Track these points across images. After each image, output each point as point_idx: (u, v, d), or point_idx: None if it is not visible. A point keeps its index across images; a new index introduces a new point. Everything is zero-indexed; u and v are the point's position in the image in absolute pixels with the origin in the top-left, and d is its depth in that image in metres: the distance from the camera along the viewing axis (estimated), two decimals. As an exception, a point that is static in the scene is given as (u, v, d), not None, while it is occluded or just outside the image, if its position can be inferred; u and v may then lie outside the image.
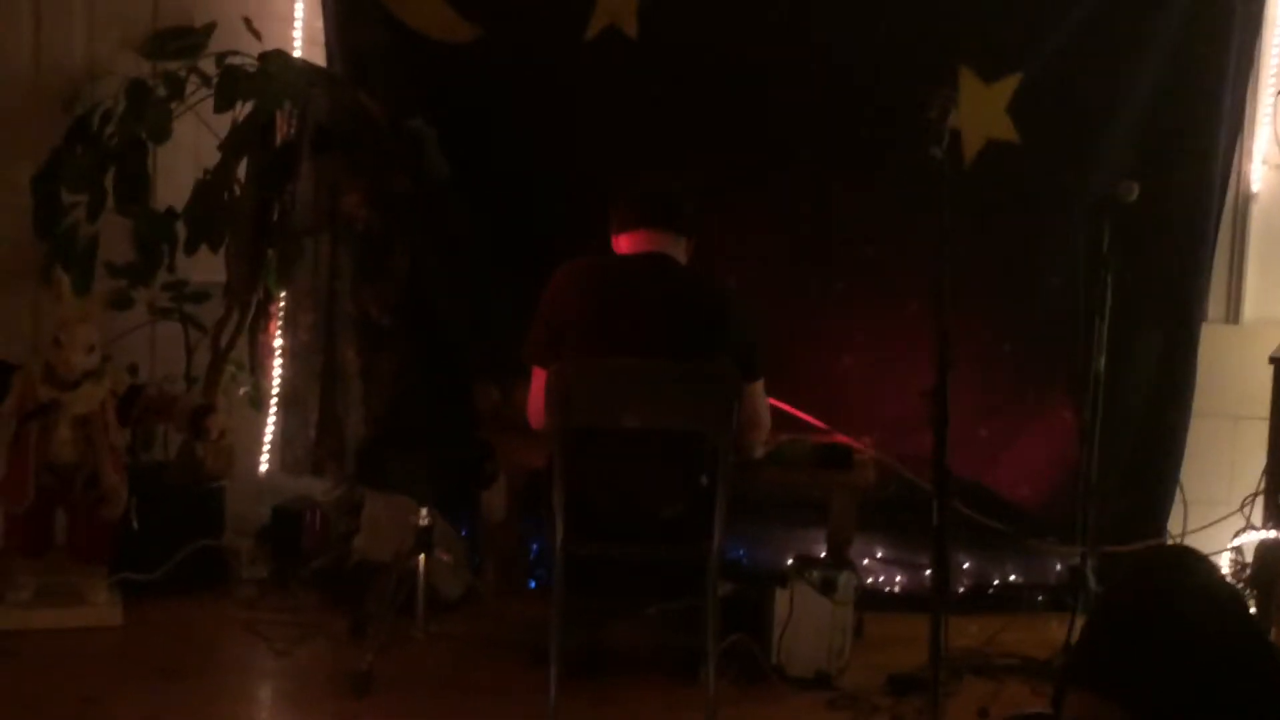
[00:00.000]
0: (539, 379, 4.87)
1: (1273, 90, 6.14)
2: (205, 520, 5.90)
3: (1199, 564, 4.90)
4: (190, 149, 5.98)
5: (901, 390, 5.69)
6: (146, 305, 6.04)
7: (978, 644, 5.38)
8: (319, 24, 6.24)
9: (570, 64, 6.04)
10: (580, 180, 5.94)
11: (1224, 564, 5.76)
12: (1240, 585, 5.66)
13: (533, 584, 5.84)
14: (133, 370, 5.81)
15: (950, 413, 4.12)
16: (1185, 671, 4.47)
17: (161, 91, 5.84)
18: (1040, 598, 6.01)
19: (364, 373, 5.95)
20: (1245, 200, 6.23)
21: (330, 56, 6.20)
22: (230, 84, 5.78)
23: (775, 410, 5.20)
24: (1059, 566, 6.03)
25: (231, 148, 5.82)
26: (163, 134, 5.84)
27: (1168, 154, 6.05)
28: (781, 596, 5.12)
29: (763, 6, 5.97)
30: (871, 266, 6.06)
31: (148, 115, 5.81)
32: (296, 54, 6.20)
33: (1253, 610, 5.41)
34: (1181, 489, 6.08)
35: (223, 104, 5.79)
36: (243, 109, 5.83)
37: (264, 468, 6.32)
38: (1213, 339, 6.18)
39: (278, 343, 6.18)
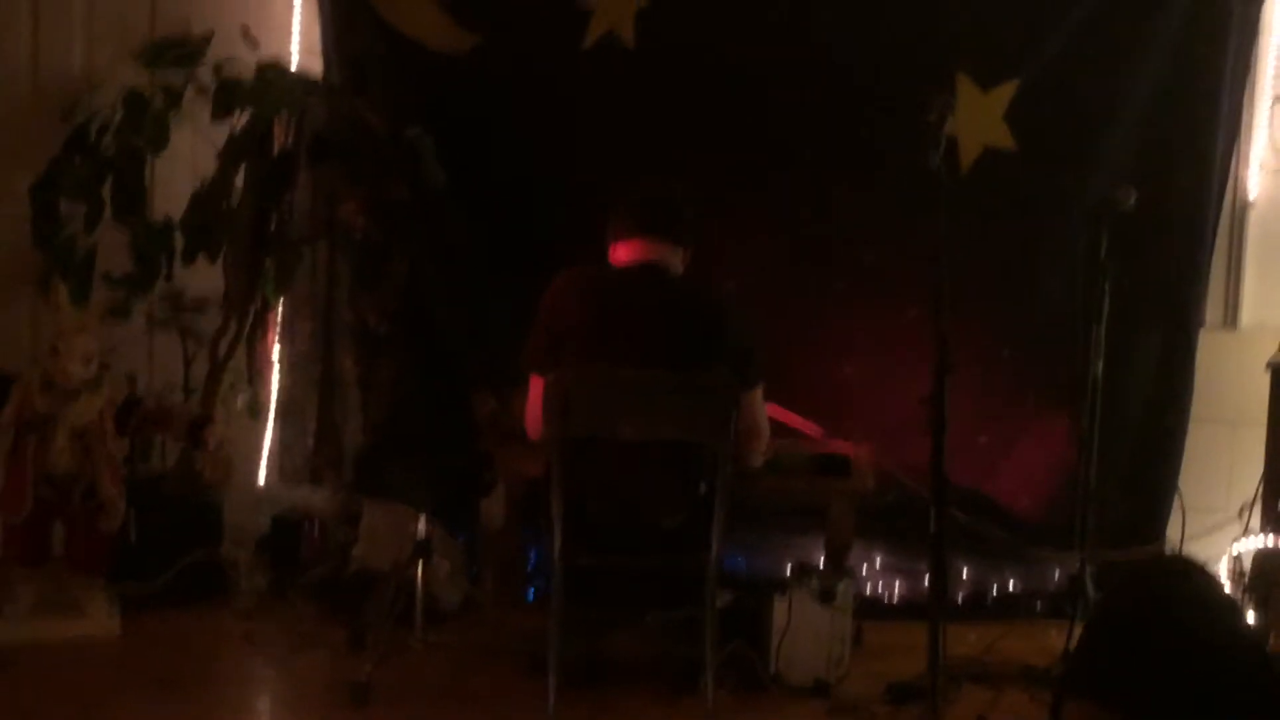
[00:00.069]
0: (536, 387, 4.87)
1: (1270, 96, 6.15)
2: (203, 530, 5.89)
3: (1196, 573, 4.92)
4: (188, 158, 5.99)
5: (901, 396, 5.69)
6: (144, 315, 6.05)
7: (977, 652, 5.37)
8: (317, 33, 6.24)
9: (568, 72, 6.05)
10: (578, 188, 5.95)
11: (1222, 571, 5.76)
12: (1239, 592, 5.66)
13: (531, 593, 5.83)
14: (131, 380, 5.80)
15: (949, 419, 4.13)
16: (1183, 680, 4.48)
17: (159, 101, 5.84)
18: (1039, 605, 6.01)
19: (362, 381, 5.96)
20: (1243, 206, 6.25)
21: (328, 65, 6.21)
22: (227, 93, 5.78)
23: (773, 419, 5.18)
24: (1058, 574, 6.03)
25: (229, 157, 5.82)
26: (160, 144, 5.85)
27: (1165, 160, 6.06)
28: (780, 605, 5.12)
29: (761, 14, 5.98)
30: (870, 272, 6.06)
31: (145, 125, 5.81)
32: (294, 63, 6.21)
33: (1251, 617, 5.42)
34: (1180, 495, 6.08)
35: (220, 113, 5.79)
36: (240, 118, 5.83)
37: (262, 478, 6.32)
38: (1210, 345, 6.19)
39: (275, 352, 6.18)
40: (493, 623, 5.59)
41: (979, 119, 5.96)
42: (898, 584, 6.04)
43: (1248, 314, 6.26)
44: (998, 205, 5.93)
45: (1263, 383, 5.81)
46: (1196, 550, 5.79)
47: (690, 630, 4.83)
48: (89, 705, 4.81)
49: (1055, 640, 5.25)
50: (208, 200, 5.84)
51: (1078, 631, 5.00)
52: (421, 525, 5.30)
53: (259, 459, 6.31)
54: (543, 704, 4.63)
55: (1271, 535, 5.66)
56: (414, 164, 5.83)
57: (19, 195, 5.86)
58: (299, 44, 6.28)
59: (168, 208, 5.96)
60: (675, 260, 5.04)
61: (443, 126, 5.95)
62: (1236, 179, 6.22)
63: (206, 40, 5.97)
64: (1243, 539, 5.79)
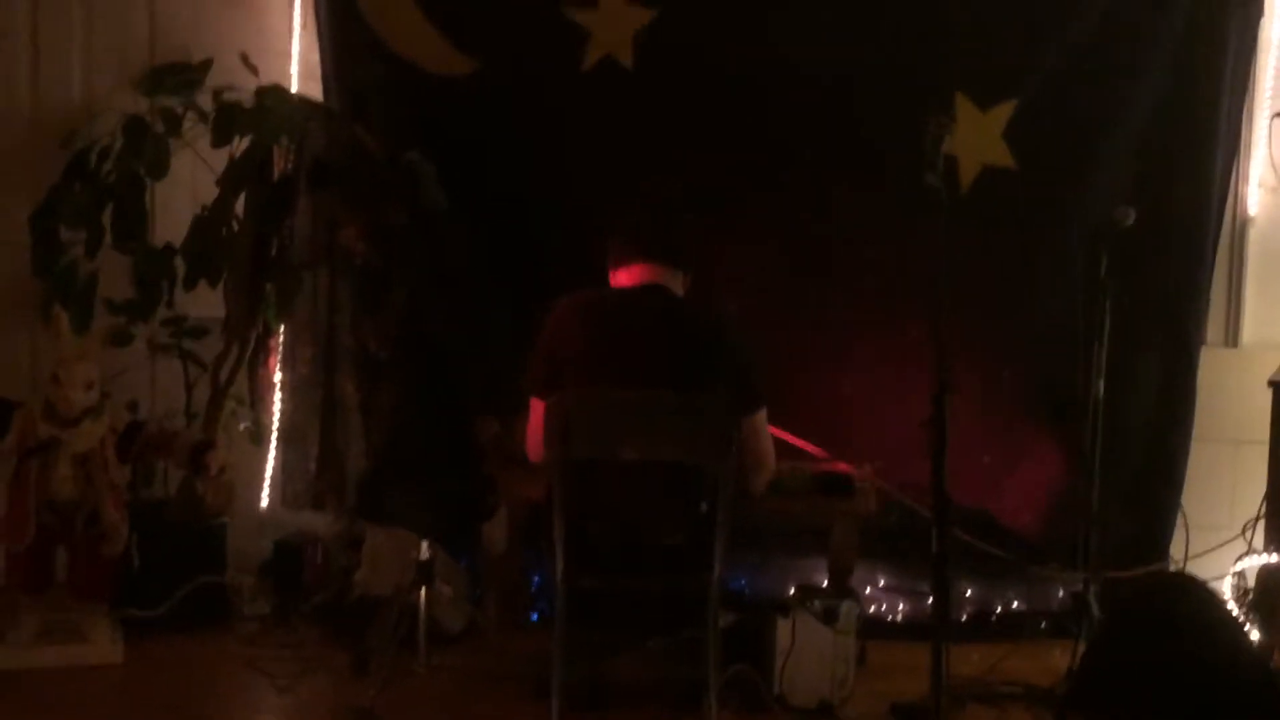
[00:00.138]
0: (537, 411, 4.88)
1: (1268, 113, 6.15)
2: (206, 556, 5.88)
3: (1199, 591, 4.92)
4: (188, 185, 6.00)
5: (903, 416, 5.69)
6: (146, 342, 6.05)
7: (980, 672, 5.36)
8: (315, 59, 6.25)
9: (567, 95, 6.05)
10: (578, 210, 5.96)
11: (1226, 589, 5.76)
12: (1242, 610, 5.65)
13: (534, 616, 5.83)
14: (132, 407, 5.81)
15: (952, 439, 4.12)
16: (1186, 699, 4.47)
17: (159, 128, 5.86)
18: (1043, 624, 6.00)
19: (363, 406, 5.95)
20: (1242, 223, 6.25)
21: (327, 91, 6.22)
22: (227, 119, 5.80)
23: (776, 439, 5.18)
24: (1061, 593, 6.02)
25: (229, 183, 5.83)
26: (160, 170, 5.86)
27: (1164, 178, 6.06)
28: (783, 626, 5.11)
29: (759, 37, 5.98)
30: (871, 291, 6.05)
31: (145, 151, 5.83)
32: (293, 89, 6.21)
33: (1255, 635, 5.41)
34: (1183, 513, 6.07)
35: (220, 139, 5.80)
36: (240, 144, 5.84)
37: (264, 503, 6.31)
38: (1212, 362, 6.19)
39: (277, 377, 6.18)
40: (496, 647, 5.59)
41: (978, 138, 5.96)
42: (901, 604, 6.03)
43: (1249, 331, 6.26)
44: (998, 224, 5.93)
45: (1264, 400, 5.81)
46: (1200, 568, 5.77)
47: (693, 652, 4.82)
48: (92, 732, 4.82)
49: (1059, 660, 5.25)
50: (208, 226, 5.85)
51: (1082, 651, 5.00)
52: (424, 550, 5.30)
53: (261, 484, 6.31)
54: (546, 727, 4.63)
55: (1275, 553, 5.65)
56: (414, 188, 5.83)
57: (19, 222, 5.87)
58: (298, 70, 6.29)
59: (168, 234, 5.97)
60: (676, 284, 5.05)
61: (442, 150, 5.96)
62: (1236, 196, 6.22)
63: (206, 67, 6.00)
64: (1246, 557, 5.79)
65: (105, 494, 5.36)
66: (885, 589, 6.06)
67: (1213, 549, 5.98)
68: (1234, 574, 5.80)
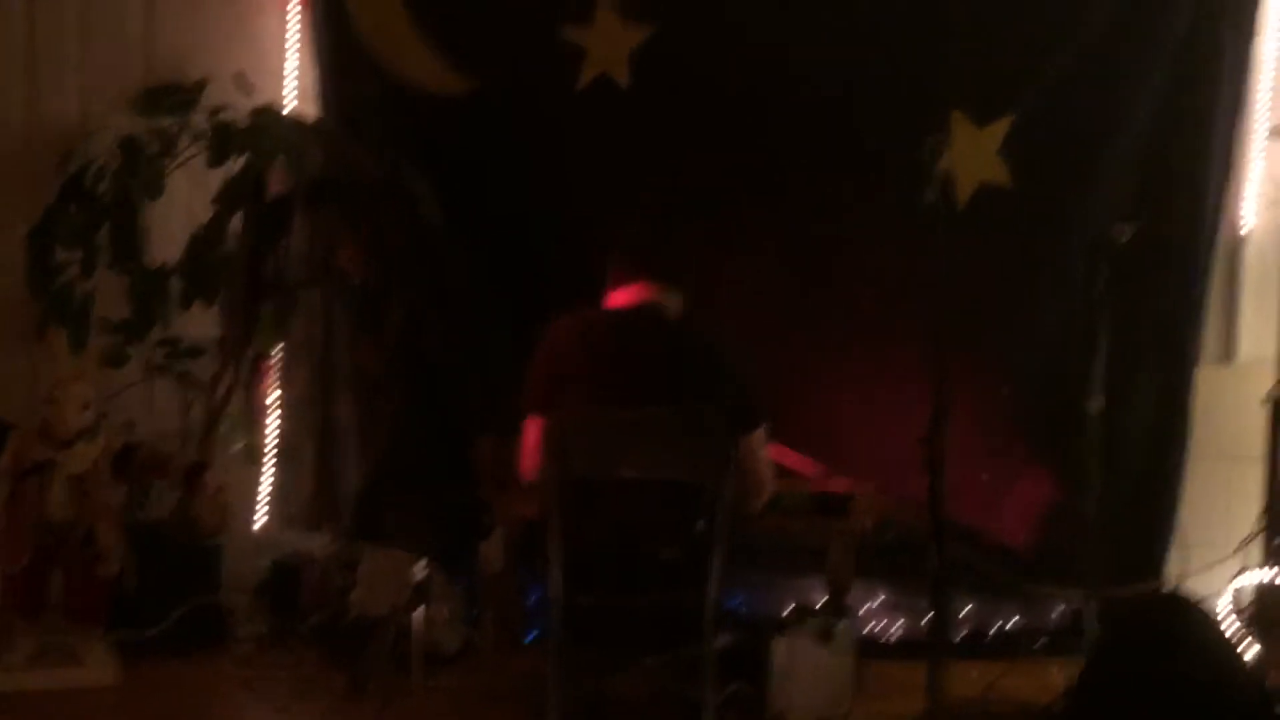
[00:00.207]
0: (533, 430, 4.88)
1: (1264, 130, 6.15)
2: (202, 577, 5.87)
3: (1194, 611, 4.92)
4: (184, 204, 5.99)
5: (902, 434, 5.71)
6: (141, 362, 6.04)
7: (978, 690, 5.35)
8: (311, 79, 6.25)
9: (563, 114, 6.06)
10: (575, 228, 5.97)
11: (1222, 606, 5.75)
12: (1239, 627, 5.65)
13: (531, 636, 5.81)
14: (128, 428, 5.80)
15: (950, 457, 4.12)
16: (1182, 718, 4.47)
17: (154, 148, 5.85)
18: (1040, 643, 5.99)
19: (360, 425, 5.96)
20: (1239, 240, 6.24)
21: (324, 110, 6.21)
22: (223, 139, 5.79)
23: (774, 460, 5.18)
24: (1059, 611, 6.01)
25: (225, 202, 5.82)
26: (156, 190, 5.85)
27: (1161, 195, 6.06)
28: (780, 645, 5.10)
29: (754, 54, 5.98)
30: (870, 308, 6.06)
31: (141, 171, 5.82)
32: (290, 108, 6.21)
33: (1252, 652, 5.41)
34: (1180, 530, 6.07)
35: (215, 160, 5.80)
36: (236, 164, 5.83)
37: (260, 523, 6.30)
38: (1208, 380, 6.18)
39: (272, 397, 6.18)
40: (492, 666, 5.58)
41: (975, 153, 5.97)
42: (898, 623, 6.03)
43: (1245, 348, 6.25)
44: (995, 242, 5.93)
45: (1260, 417, 5.81)
46: (1196, 586, 5.77)
47: (690, 671, 4.81)
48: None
49: (1056, 678, 5.24)
50: (204, 245, 5.84)
51: (1076, 668, 5.00)
52: (420, 570, 5.29)
53: (257, 505, 6.30)
54: (543, 748, 4.62)
55: (1272, 570, 5.65)
56: (410, 207, 5.84)
57: (15, 242, 5.86)
58: (295, 89, 6.29)
59: (164, 254, 5.96)
60: (673, 304, 5.06)
61: (439, 169, 5.97)
62: (1232, 213, 6.22)
63: (201, 87, 6.00)
64: (1243, 574, 5.79)
65: (101, 515, 5.35)
66: (883, 608, 6.06)
67: (1209, 567, 5.97)
68: (1231, 591, 5.79)
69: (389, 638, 5.36)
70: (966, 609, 6.00)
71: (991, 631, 6.05)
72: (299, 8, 6.25)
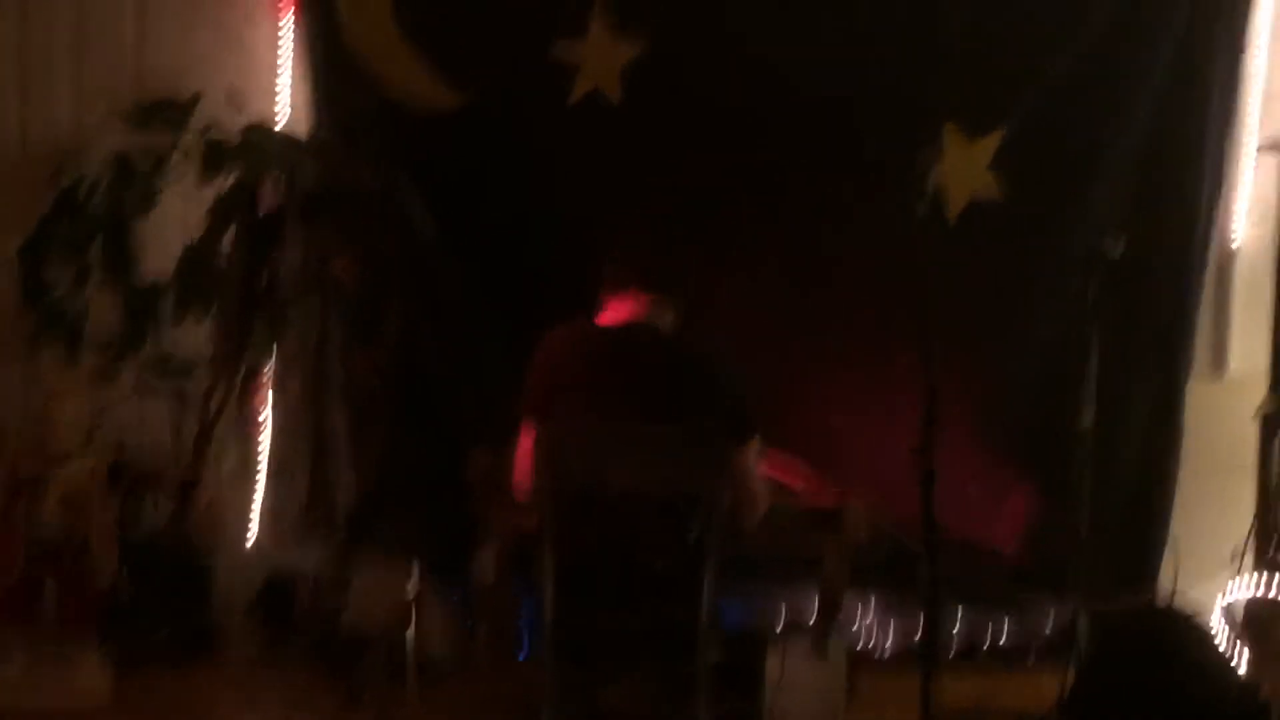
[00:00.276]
0: (526, 442, 4.88)
1: (1254, 145, 6.17)
2: (195, 592, 5.86)
3: (1187, 625, 4.93)
4: (176, 220, 5.98)
5: (896, 445, 5.71)
6: (133, 378, 6.03)
7: (970, 702, 5.35)
8: (303, 93, 6.25)
9: (555, 129, 6.06)
10: (568, 242, 5.97)
11: (1214, 618, 5.76)
12: (1231, 639, 5.66)
13: (525, 648, 5.81)
14: (120, 443, 5.80)
15: (943, 468, 4.13)
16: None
17: (147, 163, 5.85)
18: (1033, 654, 5.99)
19: (353, 438, 5.96)
20: (1229, 255, 6.26)
21: (316, 124, 6.21)
22: (214, 155, 5.79)
23: (769, 476, 5.18)
24: (1051, 623, 6.02)
25: (217, 217, 5.83)
26: (148, 205, 5.86)
27: (1151, 209, 6.09)
28: (774, 657, 5.10)
29: (748, 68, 5.99)
30: (861, 323, 6.07)
31: (133, 187, 5.82)
32: (283, 122, 6.21)
33: (1243, 664, 5.42)
34: (1171, 542, 6.08)
35: (207, 175, 5.80)
36: (228, 179, 5.84)
37: (253, 538, 6.30)
38: (1199, 393, 6.20)
39: (265, 412, 6.18)
40: (487, 678, 5.57)
41: (967, 167, 5.99)
42: (891, 634, 6.03)
43: (1236, 362, 6.27)
44: (986, 255, 5.95)
45: (1251, 430, 5.83)
46: (1188, 597, 5.78)
47: (684, 684, 4.81)
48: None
49: (1048, 689, 5.24)
50: (196, 260, 5.85)
51: (1071, 681, 5.00)
52: (414, 583, 5.29)
53: (250, 519, 6.29)
54: (538, 760, 4.62)
55: (1263, 582, 5.66)
56: (404, 220, 5.84)
57: (7, 257, 5.86)
58: (287, 103, 6.29)
59: (157, 268, 5.96)
60: (667, 317, 5.07)
61: (431, 182, 5.97)
62: (1222, 228, 6.24)
63: (194, 102, 6.00)
64: (1234, 586, 5.79)
65: (93, 530, 5.35)
66: (875, 619, 6.06)
67: (1201, 578, 5.98)
68: (1222, 603, 5.80)
69: (383, 651, 5.36)
70: (959, 620, 6.02)
71: (984, 642, 6.06)
72: (291, 22, 6.25)
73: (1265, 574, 5.72)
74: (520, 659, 5.72)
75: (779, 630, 5.27)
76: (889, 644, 6.02)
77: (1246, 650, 5.59)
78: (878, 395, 5.97)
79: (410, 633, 5.24)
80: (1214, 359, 6.32)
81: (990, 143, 6.01)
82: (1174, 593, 5.95)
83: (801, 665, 5.09)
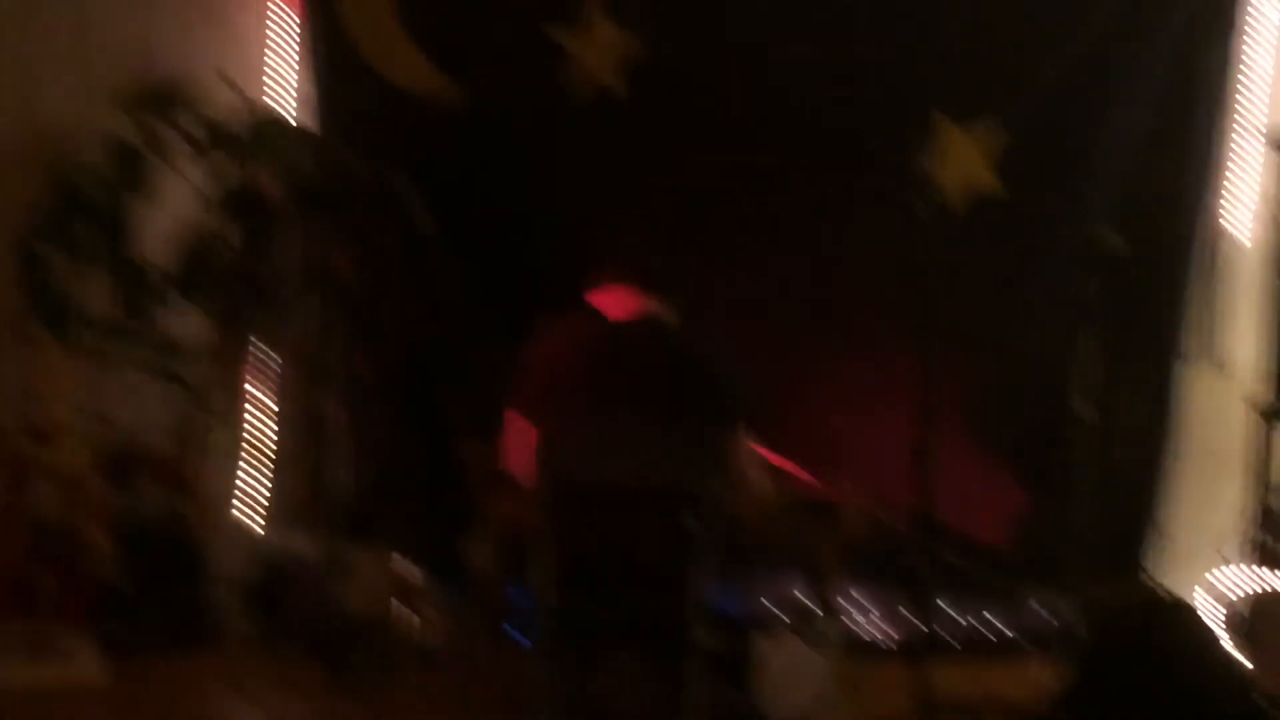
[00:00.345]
0: (514, 424, 4.90)
1: (1252, 137, 6.18)
2: (190, 577, 5.87)
3: (1183, 613, 4.94)
4: (174, 205, 5.98)
5: (887, 439, 5.75)
6: (130, 362, 6.04)
7: (964, 691, 5.36)
8: (303, 82, 6.25)
9: (556, 121, 6.06)
10: (568, 236, 5.98)
11: (1204, 605, 5.78)
12: (1221, 626, 5.68)
13: (519, 637, 5.82)
14: (116, 427, 5.81)
15: (936, 462, 4.14)
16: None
17: (145, 149, 5.86)
18: (1024, 643, 6.01)
19: (352, 429, 5.97)
20: (1225, 245, 6.27)
21: (317, 116, 6.21)
22: (214, 142, 5.80)
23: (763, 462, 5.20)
24: (1045, 613, 6.04)
25: (217, 207, 5.83)
26: (145, 191, 5.86)
27: (1149, 201, 6.09)
28: (766, 645, 5.12)
29: (747, 65, 6.00)
30: (857, 315, 6.08)
31: (131, 172, 5.83)
32: (283, 115, 6.21)
33: (1233, 650, 5.43)
34: (1163, 530, 6.11)
35: (208, 164, 5.80)
36: (228, 167, 5.84)
37: (250, 524, 6.31)
38: (1193, 383, 6.21)
39: (262, 399, 6.19)
40: (480, 667, 5.59)
41: (964, 161, 5.99)
42: (883, 623, 6.05)
43: (1230, 351, 6.28)
44: (983, 248, 5.95)
45: (1244, 419, 5.84)
46: (1178, 584, 5.81)
47: (677, 673, 4.83)
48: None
49: (1041, 678, 5.25)
50: (197, 250, 5.85)
51: (1063, 671, 5.02)
52: (409, 571, 5.30)
53: (246, 504, 6.30)
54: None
55: (1254, 569, 5.68)
56: (403, 214, 5.84)
57: (4, 241, 5.86)
58: (286, 94, 6.29)
59: (152, 253, 5.97)
60: (664, 315, 5.09)
61: (431, 177, 5.97)
62: (1219, 219, 6.24)
63: (193, 90, 6.00)
64: (1224, 573, 5.81)
65: (88, 515, 5.36)
66: (868, 608, 6.08)
67: (1191, 565, 6.00)
68: (1212, 590, 5.82)
69: (377, 639, 5.37)
70: (951, 610, 6.04)
71: (977, 633, 6.08)
72: (292, 14, 6.25)
73: (1255, 561, 5.74)
74: (514, 649, 5.74)
75: (773, 620, 5.27)
76: (882, 632, 6.05)
77: (1239, 639, 5.61)
78: (874, 390, 5.99)
79: (404, 622, 5.25)
80: (1208, 349, 6.32)
81: (988, 138, 6.02)
82: (1167, 582, 5.98)
83: (795, 655, 5.10)
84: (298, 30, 6.25)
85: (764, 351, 5.89)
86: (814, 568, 5.56)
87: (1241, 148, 6.20)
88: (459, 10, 6.09)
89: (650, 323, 5.04)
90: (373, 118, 6.08)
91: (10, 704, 5.10)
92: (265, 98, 6.21)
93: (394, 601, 5.34)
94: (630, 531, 4.76)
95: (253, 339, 5.98)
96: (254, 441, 6.23)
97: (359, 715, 4.91)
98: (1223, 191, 6.22)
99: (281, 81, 6.28)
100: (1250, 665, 5.42)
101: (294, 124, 6.14)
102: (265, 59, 6.27)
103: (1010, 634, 6.08)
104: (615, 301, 5.10)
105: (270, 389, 6.18)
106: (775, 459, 5.51)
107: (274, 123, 6.01)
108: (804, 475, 5.72)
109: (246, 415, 6.13)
